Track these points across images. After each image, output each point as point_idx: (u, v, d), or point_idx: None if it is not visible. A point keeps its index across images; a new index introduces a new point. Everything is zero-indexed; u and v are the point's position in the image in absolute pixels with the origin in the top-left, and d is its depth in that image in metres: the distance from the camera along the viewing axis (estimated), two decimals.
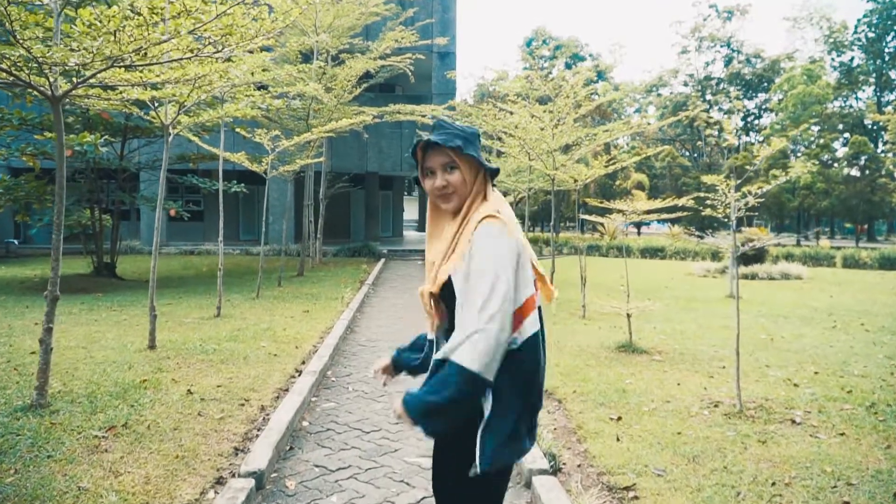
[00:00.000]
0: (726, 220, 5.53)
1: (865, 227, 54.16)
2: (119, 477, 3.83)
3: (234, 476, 3.94)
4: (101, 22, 4.61)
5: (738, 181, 5.44)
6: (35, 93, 5.06)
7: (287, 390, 5.88)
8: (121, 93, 5.67)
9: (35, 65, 4.58)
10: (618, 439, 4.71)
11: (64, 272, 15.26)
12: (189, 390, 5.67)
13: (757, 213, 48.68)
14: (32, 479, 3.72)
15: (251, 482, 3.78)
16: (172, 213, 15.28)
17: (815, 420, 5.22)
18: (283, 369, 6.62)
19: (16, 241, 23.23)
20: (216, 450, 4.35)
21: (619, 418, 5.20)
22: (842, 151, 49.55)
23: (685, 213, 9.21)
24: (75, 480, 3.74)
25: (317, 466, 4.33)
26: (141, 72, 5.36)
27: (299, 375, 6.42)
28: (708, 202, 5.69)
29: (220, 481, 3.91)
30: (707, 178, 5.92)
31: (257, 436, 4.67)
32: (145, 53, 4.83)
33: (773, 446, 4.61)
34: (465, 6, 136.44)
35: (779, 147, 5.32)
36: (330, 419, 5.35)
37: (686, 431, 4.88)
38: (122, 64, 4.79)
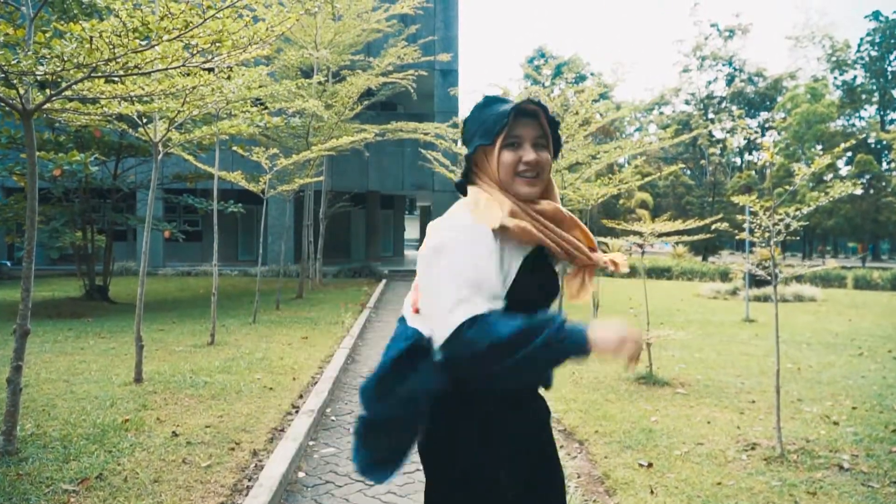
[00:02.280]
0: (763, 243, 5.05)
1: (870, 246, 53.69)
2: None
3: None
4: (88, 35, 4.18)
5: (777, 202, 4.96)
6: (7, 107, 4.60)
7: (282, 430, 5.38)
8: (102, 107, 5.21)
9: (1, 75, 4.12)
10: (651, 492, 4.20)
11: (55, 295, 14.81)
12: (174, 432, 5.16)
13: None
14: None
15: None
16: (167, 234, 14.80)
17: (864, 465, 4.72)
18: (279, 405, 6.11)
19: (8, 263, 22.74)
20: None
21: (650, 465, 4.69)
22: (846, 170, 49.15)
23: (698, 238, 8.74)
24: None
25: None
26: (123, 83, 4.90)
27: (296, 413, 5.91)
28: (744, 225, 5.23)
29: None
30: (739, 199, 5.45)
31: (248, 487, 4.16)
32: (126, 62, 4.37)
33: (824, 498, 4.11)
34: (467, 24, 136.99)
35: (821, 165, 4.85)
36: (329, 468, 4.82)
37: (726, 481, 4.37)
38: (99, 74, 4.33)
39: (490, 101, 1.86)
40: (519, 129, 1.80)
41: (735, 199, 5.64)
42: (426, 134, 18.30)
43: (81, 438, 4.90)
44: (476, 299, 1.61)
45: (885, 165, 50.32)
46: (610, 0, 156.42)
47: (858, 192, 45.32)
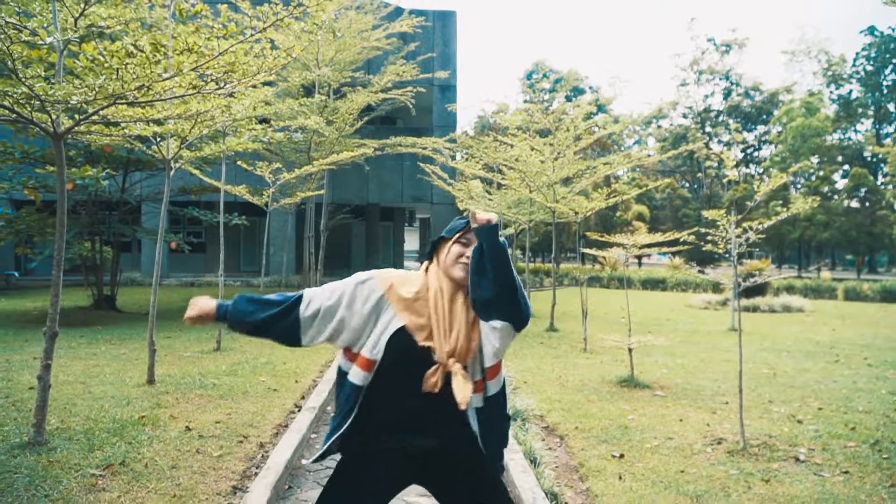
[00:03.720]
0: (727, 255, 5.52)
1: (866, 258, 54.13)
2: None
3: None
4: (103, 57, 4.65)
5: (740, 217, 5.44)
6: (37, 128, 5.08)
7: (286, 426, 5.84)
8: (123, 129, 5.70)
9: (37, 102, 4.61)
10: (620, 478, 4.66)
11: (64, 305, 15.22)
12: (187, 427, 5.63)
13: (758, 247, 48.69)
14: None
15: None
16: (173, 246, 15.28)
17: (818, 458, 5.17)
18: (283, 405, 6.57)
19: (16, 274, 23.21)
20: (214, 489, 4.30)
21: (622, 456, 5.15)
22: (842, 183, 49.63)
23: (687, 247, 9.22)
24: None
25: None
26: (143, 108, 5.38)
27: (299, 411, 6.38)
28: (709, 238, 5.70)
29: None
30: (708, 214, 5.92)
31: (256, 474, 4.62)
32: (148, 90, 4.85)
33: (776, 485, 4.56)
34: (465, 39, 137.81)
35: (779, 182, 5.33)
36: (329, 457, 5.29)
37: (689, 470, 4.83)
38: (124, 101, 4.82)
39: (459, 218, 2.55)
40: (470, 235, 2.43)
41: (705, 213, 6.11)
42: (425, 148, 18.82)
43: (103, 432, 5.37)
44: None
45: (880, 179, 50.79)
46: (608, 15, 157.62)
47: (855, 204, 45.86)
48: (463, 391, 2.25)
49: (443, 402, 2.30)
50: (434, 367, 2.30)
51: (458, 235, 2.45)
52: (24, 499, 3.96)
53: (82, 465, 4.58)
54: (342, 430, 2.41)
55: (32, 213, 13.34)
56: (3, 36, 3.98)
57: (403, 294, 2.41)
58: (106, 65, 4.80)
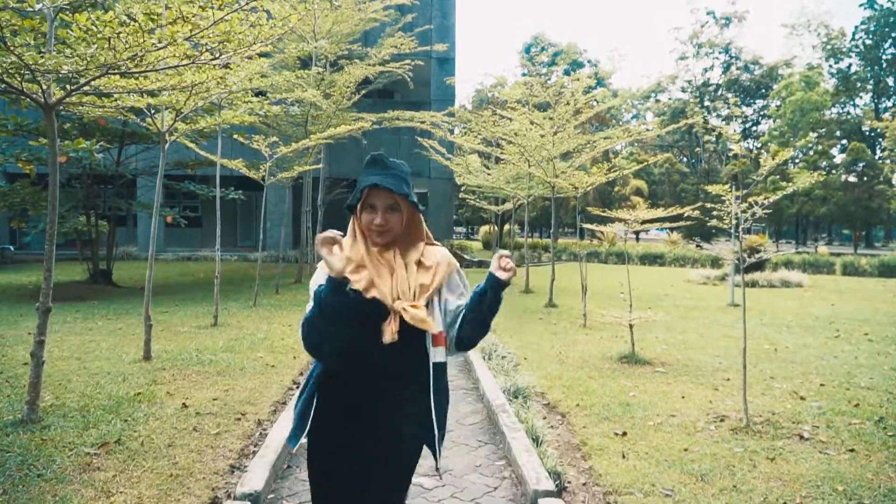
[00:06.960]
0: (730, 229, 5.43)
1: (863, 233, 54.12)
2: (111, 497, 3.71)
3: (229, 497, 3.82)
4: (96, 27, 4.52)
5: (744, 191, 5.34)
6: (28, 99, 4.95)
7: (284, 403, 5.78)
8: (116, 100, 5.57)
9: (28, 72, 4.48)
10: (623, 456, 4.60)
11: (59, 279, 15.14)
12: (184, 404, 5.56)
13: (755, 221, 48.64)
14: (20, 501, 3.60)
15: None
16: (169, 220, 15.15)
17: (823, 435, 5.12)
18: (281, 381, 6.51)
19: (11, 248, 23.09)
20: (211, 468, 4.23)
21: (625, 433, 5.09)
22: (840, 158, 49.49)
23: (689, 223, 9.14)
24: (65, 502, 3.63)
25: None
26: (137, 79, 5.25)
27: (297, 388, 6.31)
28: (714, 213, 5.60)
29: (214, 502, 3.79)
30: (712, 189, 5.82)
31: (254, 452, 4.55)
32: (141, 60, 4.72)
33: (782, 463, 4.50)
34: (464, 12, 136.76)
35: (785, 157, 5.23)
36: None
37: (693, 448, 4.77)
38: (117, 71, 4.69)
39: (368, 165, 2.37)
40: (373, 198, 2.31)
41: (708, 188, 6.01)
42: (422, 122, 18.65)
43: (98, 409, 5.30)
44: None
45: (878, 153, 50.65)
46: None
47: (853, 179, 45.72)
48: (419, 317, 2.20)
49: (404, 358, 2.31)
50: (389, 318, 2.23)
51: (360, 204, 2.34)
52: (17, 478, 3.90)
53: (77, 443, 4.51)
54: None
55: (27, 186, 13.22)
56: None
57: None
58: (98, 35, 4.68)
